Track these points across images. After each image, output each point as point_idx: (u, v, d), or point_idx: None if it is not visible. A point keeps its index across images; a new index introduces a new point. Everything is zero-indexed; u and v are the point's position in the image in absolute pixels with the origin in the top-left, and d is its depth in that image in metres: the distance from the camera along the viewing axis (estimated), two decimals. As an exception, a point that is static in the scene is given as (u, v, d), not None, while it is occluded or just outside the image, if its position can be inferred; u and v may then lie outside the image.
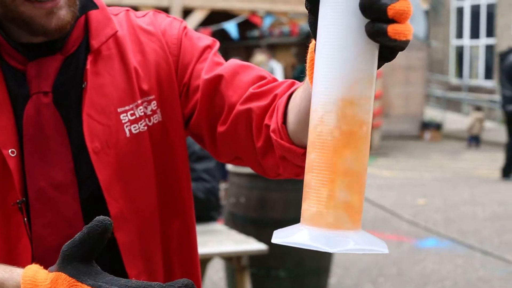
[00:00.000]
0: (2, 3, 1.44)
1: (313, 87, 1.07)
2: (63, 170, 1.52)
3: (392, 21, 1.00)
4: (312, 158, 1.04)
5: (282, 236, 1.04)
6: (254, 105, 1.51)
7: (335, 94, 1.02)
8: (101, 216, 1.18)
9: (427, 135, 18.95)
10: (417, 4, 23.29)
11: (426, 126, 19.21)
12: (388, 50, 1.06)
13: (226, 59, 1.68)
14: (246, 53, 18.68)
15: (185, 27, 1.70)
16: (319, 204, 1.02)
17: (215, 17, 15.20)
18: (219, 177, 5.03)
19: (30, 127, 1.51)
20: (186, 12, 13.84)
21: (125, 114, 1.58)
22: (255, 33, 19.71)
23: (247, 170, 5.67)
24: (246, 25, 15.90)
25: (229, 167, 6.28)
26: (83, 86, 1.55)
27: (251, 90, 1.54)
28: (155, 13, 1.73)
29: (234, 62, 1.64)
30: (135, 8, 1.78)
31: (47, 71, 1.53)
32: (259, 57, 13.73)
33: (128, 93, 1.59)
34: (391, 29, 1.00)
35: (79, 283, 1.14)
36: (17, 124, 1.52)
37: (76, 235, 1.17)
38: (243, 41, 19.76)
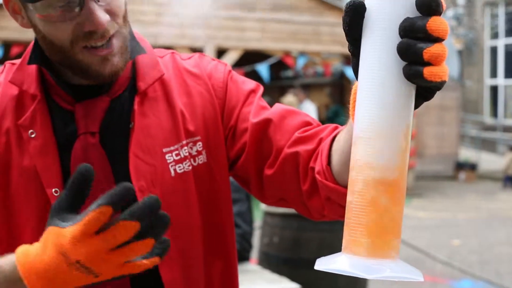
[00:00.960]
0: (60, 50, 1.50)
1: (354, 127, 1.12)
2: None
3: (428, 63, 1.05)
4: (354, 191, 1.10)
5: (324, 264, 1.09)
6: (301, 148, 1.54)
7: (375, 136, 1.08)
8: (84, 165, 1.28)
9: (462, 175, 18.82)
10: (450, 44, 23.30)
11: (461, 166, 19.09)
12: (426, 90, 1.11)
13: (265, 98, 1.72)
14: (280, 93, 18.77)
15: (230, 71, 1.75)
16: (359, 233, 1.07)
17: (248, 57, 15.32)
18: (251, 220, 5.04)
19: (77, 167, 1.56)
20: (220, 53, 13.98)
21: (170, 154, 1.62)
22: (289, 73, 19.81)
23: (281, 210, 5.68)
24: (280, 65, 16.00)
25: (263, 207, 6.30)
26: (130, 126, 1.60)
27: (297, 134, 1.57)
28: (200, 56, 1.78)
29: (281, 107, 1.67)
30: (170, 48, 1.83)
31: (94, 112, 1.58)
32: (290, 98, 13.79)
33: (173, 133, 1.63)
34: (427, 71, 1.05)
35: (61, 229, 1.23)
36: (62, 164, 1.57)
37: (62, 191, 1.27)
38: (277, 81, 19.88)
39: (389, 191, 1.08)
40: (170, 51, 1.78)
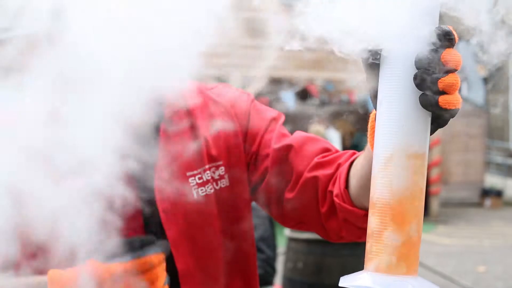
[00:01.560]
0: None
1: (373, 153, 1.20)
2: (133, 227, 1.64)
3: (443, 92, 1.14)
4: (374, 215, 1.18)
5: (348, 281, 1.18)
6: (320, 173, 1.61)
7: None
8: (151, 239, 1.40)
9: (488, 202, 18.64)
10: (475, 71, 23.21)
11: (487, 193, 18.90)
12: (440, 117, 1.19)
13: (285, 127, 1.80)
14: (305, 121, 18.77)
15: (253, 100, 1.82)
16: (380, 252, 1.16)
17: (273, 85, 15.35)
18: (275, 245, 5.08)
19: None
20: (245, 81, 14.01)
21: (193, 178, 1.69)
22: (314, 101, 19.84)
23: (305, 235, 5.73)
24: (304, 93, 16.01)
25: (287, 232, 6.34)
26: (156, 151, 1.68)
27: (316, 159, 1.64)
28: (224, 85, 1.87)
29: (301, 134, 1.74)
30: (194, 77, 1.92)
31: None
32: (317, 127, 13.78)
33: (196, 158, 1.70)
34: (442, 99, 1.13)
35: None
36: None
37: None
38: (301, 109, 19.87)
39: (409, 213, 1.16)
40: (196, 81, 1.86)
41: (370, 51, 1.20)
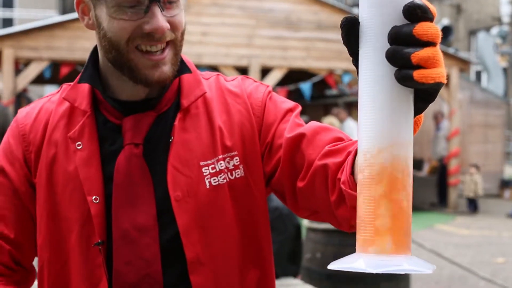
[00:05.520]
0: (116, 48, 1.65)
1: (358, 133, 1.18)
2: (146, 214, 1.69)
3: (419, 66, 1.10)
4: (361, 195, 1.17)
5: (340, 264, 1.16)
6: (330, 161, 1.59)
7: (376, 140, 1.15)
8: None
9: (507, 193, 18.60)
10: (495, 62, 23.14)
11: (506, 184, 18.86)
12: (424, 93, 1.16)
13: (304, 117, 1.82)
14: (323, 112, 18.78)
15: (270, 91, 1.84)
16: (370, 233, 1.15)
17: (292, 76, 15.38)
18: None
19: (120, 174, 1.70)
20: (264, 72, 14.07)
21: (206, 167, 1.72)
22: (333, 91, 19.85)
23: (323, 226, 5.76)
24: (323, 84, 16.04)
25: (305, 222, 6.38)
26: (170, 140, 1.72)
27: (327, 148, 1.62)
28: (243, 78, 1.89)
29: (315, 123, 1.74)
30: (215, 67, 1.97)
31: (140, 125, 1.72)
32: (331, 118, 13.79)
33: (210, 148, 1.74)
34: (417, 74, 1.09)
35: None
36: (104, 174, 1.71)
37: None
38: (321, 99, 19.91)
39: (395, 189, 1.14)
40: (216, 73, 1.90)
41: (346, 18, 1.19)
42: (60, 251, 1.73)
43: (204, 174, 1.72)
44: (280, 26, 14.18)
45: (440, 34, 1.12)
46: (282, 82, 15.45)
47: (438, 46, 1.13)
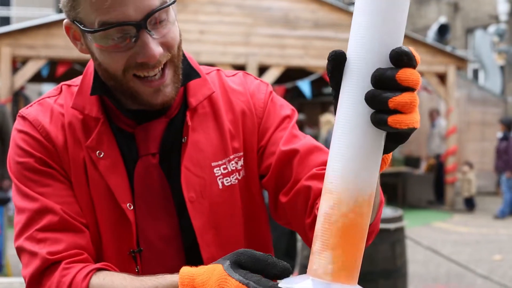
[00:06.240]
0: (113, 78, 1.60)
1: (326, 168, 1.22)
2: (168, 224, 1.70)
3: (395, 111, 1.14)
4: (319, 226, 1.21)
5: (288, 283, 1.19)
6: (314, 184, 1.62)
7: (342, 178, 1.18)
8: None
9: (504, 191, 18.59)
10: (493, 60, 23.15)
11: (503, 182, 18.86)
12: (395, 135, 1.19)
13: (302, 114, 1.81)
14: (321, 110, 18.79)
15: (271, 92, 1.84)
16: (323, 258, 1.18)
17: (290, 74, 15.38)
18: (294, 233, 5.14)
19: (140, 186, 1.68)
20: (262, 69, 14.07)
21: (218, 168, 1.73)
22: (330, 89, 19.82)
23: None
24: (321, 82, 16.05)
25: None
26: (183, 140, 1.71)
27: (315, 170, 1.65)
28: (244, 74, 1.88)
29: (311, 141, 1.75)
30: (212, 66, 1.95)
31: (153, 133, 1.70)
32: (327, 116, 13.74)
33: (221, 149, 1.73)
34: (392, 119, 1.13)
35: (229, 277, 1.24)
36: (130, 182, 1.68)
37: (259, 254, 1.27)
38: (318, 97, 19.91)
39: (353, 224, 1.18)
40: (215, 68, 1.88)
41: (335, 53, 1.21)
42: (98, 246, 1.69)
43: (216, 174, 1.73)
44: (278, 24, 14.19)
45: (420, 81, 1.15)
46: (279, 80, 15.44)
47: (416, 93, 1.16)
